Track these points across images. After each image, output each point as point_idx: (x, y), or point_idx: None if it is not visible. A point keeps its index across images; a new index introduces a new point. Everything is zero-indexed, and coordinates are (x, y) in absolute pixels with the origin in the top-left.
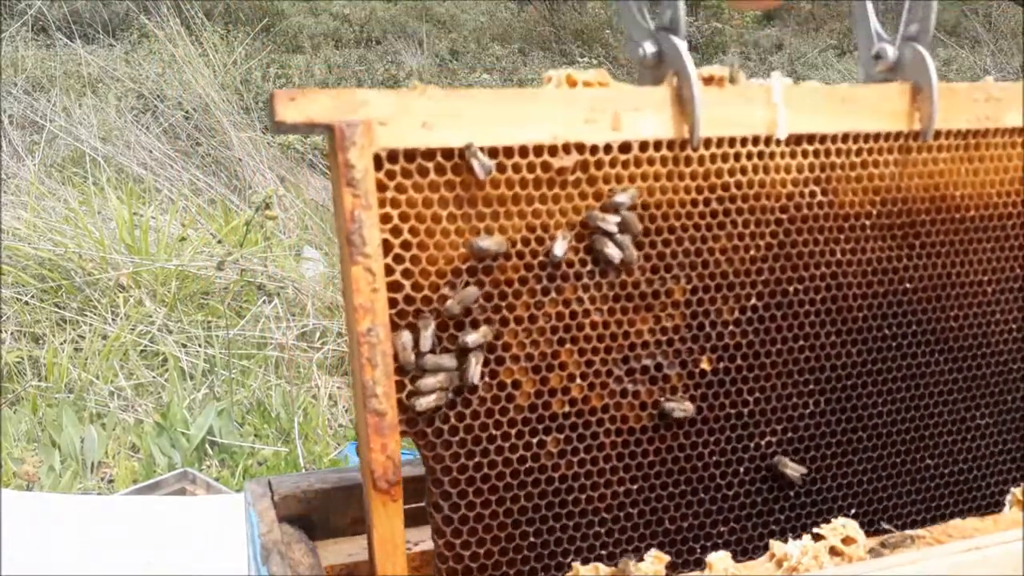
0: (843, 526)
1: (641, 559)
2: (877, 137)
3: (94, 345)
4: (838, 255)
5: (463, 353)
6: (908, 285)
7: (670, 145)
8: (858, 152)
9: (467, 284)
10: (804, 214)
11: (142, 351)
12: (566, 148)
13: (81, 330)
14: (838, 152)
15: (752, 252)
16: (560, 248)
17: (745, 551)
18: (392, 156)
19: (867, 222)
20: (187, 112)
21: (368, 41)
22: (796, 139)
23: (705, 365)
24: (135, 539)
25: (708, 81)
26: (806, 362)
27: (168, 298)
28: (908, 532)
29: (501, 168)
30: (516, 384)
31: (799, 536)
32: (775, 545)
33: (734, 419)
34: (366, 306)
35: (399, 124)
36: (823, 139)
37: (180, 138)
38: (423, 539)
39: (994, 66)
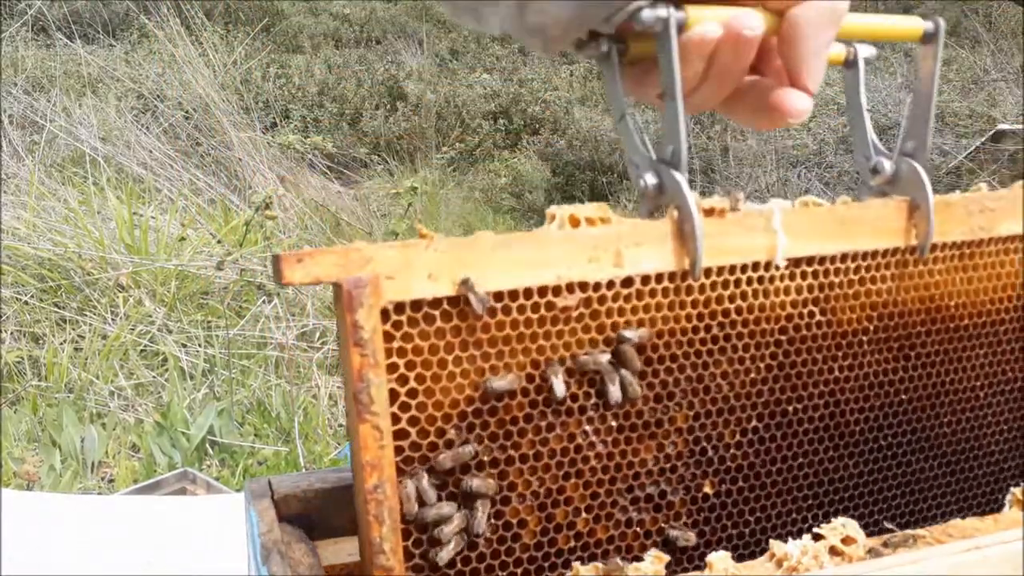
0: (843, 526)
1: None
2: (875, 255)
3: (94, 345)
4: (836, 372)
5: (467, 497)
6: (904, 396)
7: (671, 277)
8: (856, 270)
9: (466, 441)
10: (803, 335)
11: (142, 351)
12: (570, 288)
13: (81, 330)
14: (836, 272)
15: (752, 375)
16: (559, 388)
17: None
18: (399, 308)
19: (864, 338)
20: (187, 112)
21: (368, 41)
22: (795, 262)
23: (708, 489)
24: (135, 539)
25: (709, 212)
26: (804, 479)
27: (168, 298)
28: (908, 532)
29: (506, 310)
30: (522, 523)
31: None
32: (775, 545)
33: (736, 539)
34: (374, 463)
35: (405, 277)
36: (822, 260)
37: (180, 138)
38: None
39: (994, 66)
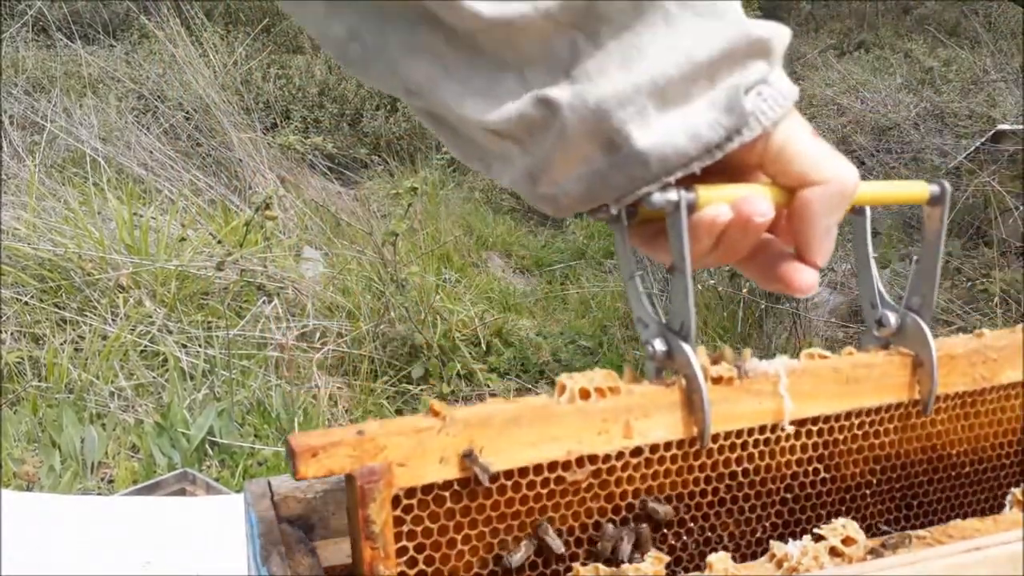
0: (843, 526)
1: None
2: (879, 410)
3: (94, 345)
4: None
5: None
6: None
7: (680, 444)
8: (860, 426)
9: None
10: (808, 492)
11: (142, 351)
12: (579, 462)
13: (81, 330)
14: (841, 429)
15: (759, 534)
16: (557, 545)
17: None
18: (410, 493)
19: (867, 491)
20: (187, 113)
21: None
22: (801, 422)
23: None
24: (135, 539)
25: (717, 381)
26: None
27: (168, 298)
28: (908, 532)
29: (516, 487)
30: None
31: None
32: (775, 545)
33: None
34: None
35: (418, 463)
36: (827, 419)
37: (180, 139)
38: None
39: (994, 66)
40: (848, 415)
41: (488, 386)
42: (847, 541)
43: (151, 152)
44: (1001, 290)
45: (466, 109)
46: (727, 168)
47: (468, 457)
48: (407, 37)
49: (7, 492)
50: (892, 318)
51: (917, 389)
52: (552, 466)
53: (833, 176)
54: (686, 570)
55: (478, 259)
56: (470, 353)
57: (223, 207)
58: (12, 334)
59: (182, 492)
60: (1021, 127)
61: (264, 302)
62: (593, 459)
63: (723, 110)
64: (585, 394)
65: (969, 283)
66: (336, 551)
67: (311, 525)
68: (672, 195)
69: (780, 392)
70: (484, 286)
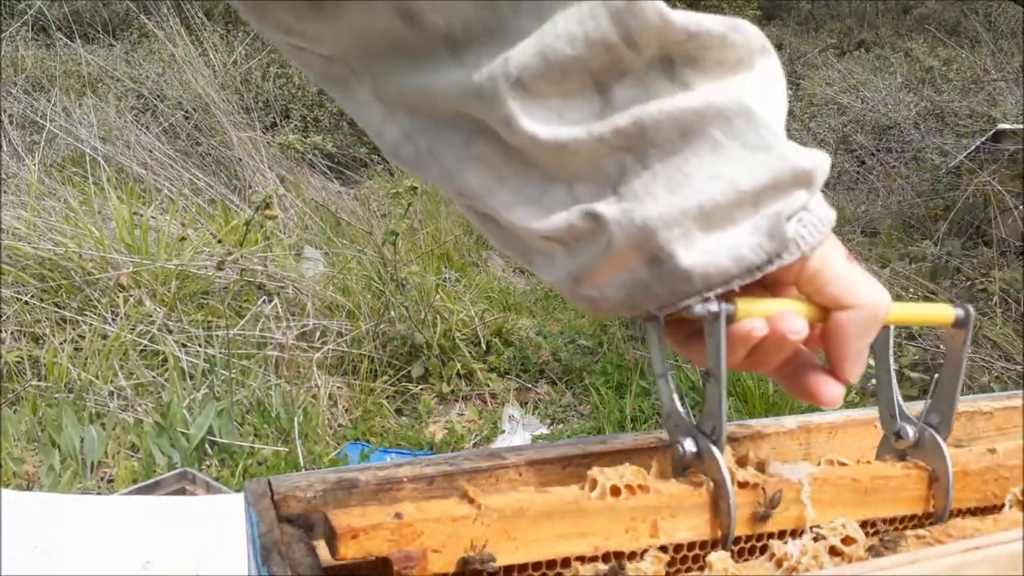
0: (843, 526)
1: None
2: (893, 520)
3: (94, 345)
4: None
5: None
6: None
7: (703, 545)
8: (874, 534)
9: None
10: None
11: (142, 351)
12: (606, 558)
13: (81, 330)
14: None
15: None
16: None
17: None
18: None
19: None
20: (187, 112)
21: None
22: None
23: None
24: (135, 539)
25: (743, 485)
26: None
27: (168, 298)
28: (908, 532)
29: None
30: None
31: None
32: (775, 545)
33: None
34: None
35: (451, 550)
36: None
37: (180, 138)
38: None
39: (994, 66)
40: (863, 524)
41: (488, 385)
42: (847, 540)
43: (151, 151)
44: (1001, 290)
45: (516, 215)
46: (764, 281)
47: (467, 562)
48: (462, 148)
49: (7, 492)
50: (910, 431)
51: (932, 503)
52: (580, 559)
53: (866, 302)
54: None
55: (478, 259)
56: (470, 352)
57: (223, 207)
58: (12, 333)
59: (182, 491)
60: (1021, 127)
61: (264, 302)
62: (619, 555)
63: (765, 235)
64: (615, 491)
65: (969, 283)
66: None
67: (311, 525)
68: (713, 306)
69: (803, 500)
70: (484, 285)
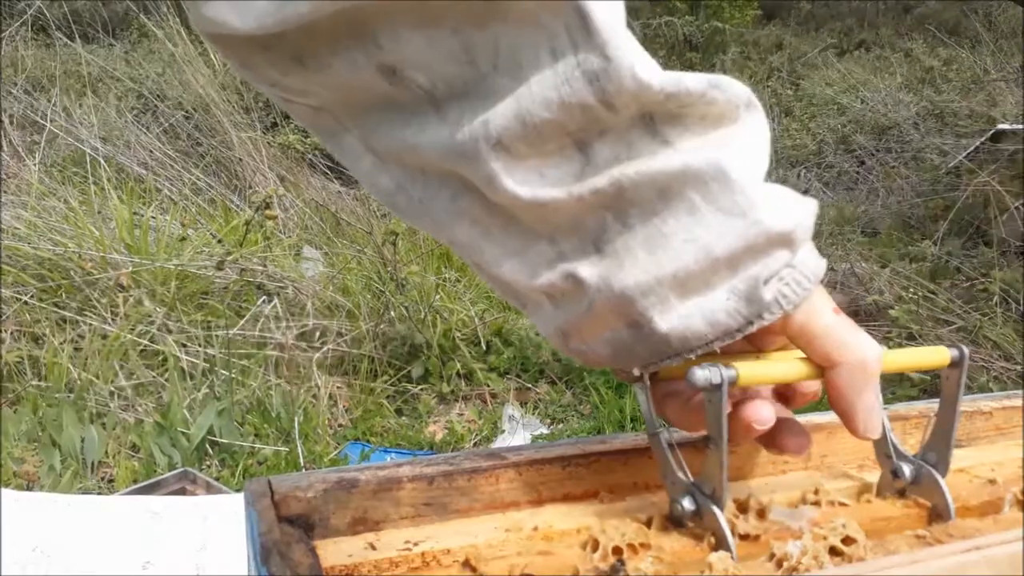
0: (843, 525)
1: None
2: None
3: (94, 345)
4: None
5: None
6: None
7: None
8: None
9: None
10: None
11: (142, 351)
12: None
13: (81, 330)
14: None
15: None
16: None
17: None
18: None
19: None
20: (187, 112)
21: None
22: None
23: None
24: (135, 539)
25: (744, 538)
26: None
27: (168, 298)
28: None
29: None
30: None
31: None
32: (775, 545)
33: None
34: None
35: None
36: None
37: (180, 138)
38: (423, 539)
39: (994, 66)
40: None
41: (488, 385)
42: (847, 541)
43: (151, 151)
44: (1001, 289)
45: (504, 270)
46: (751, 336)
47: None
48: (449, 203)
49: (7, 492)
50: (907, 470)
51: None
52: None
53: (852, 359)
54: None
55: None
56: (470, 352)
57: (223, 206)
58: (12, 334)
59: (182, 491)
60: (1021, 127)
61: (264, 302)
62: (618, 553)
63: (743, 299)
64: (618, 551)
65: (969, 283)
66: (336, 551)
67: (311, 525)
68: (714, 376)
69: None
70: (484, 285)
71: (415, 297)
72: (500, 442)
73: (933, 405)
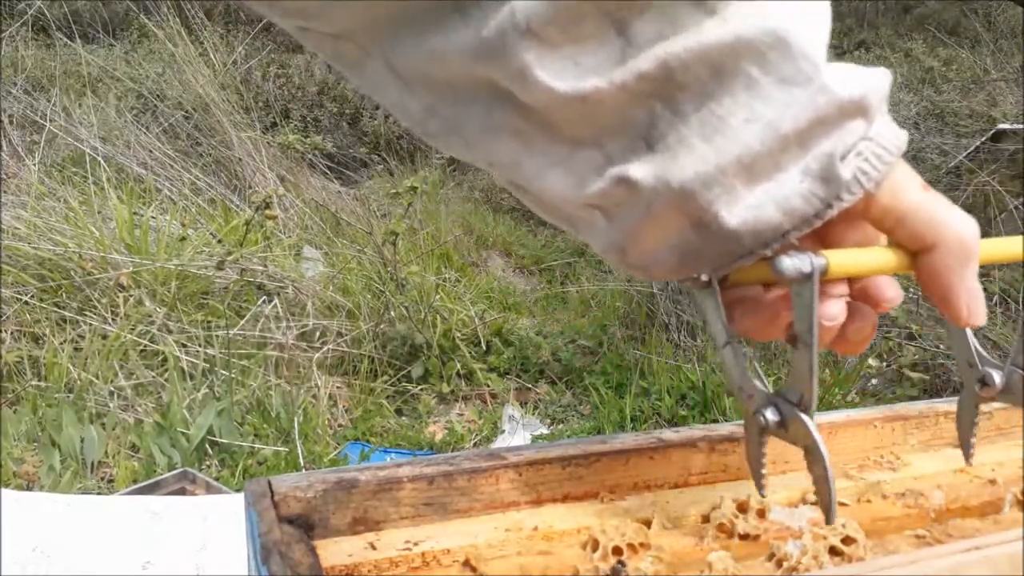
0: (843, 525)
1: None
2: None
3: (94, 345)
4: None
5: None
6: None
7: None
8: None
9: None
10: None
11: (142, 351)
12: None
13: (81, 330)
14: None
15: None
16: None
17: None
18: None
19: None
20: (187, 112)
21: None
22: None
23: None
24: (135, 539)
25: (744, 537)
26: None
27: (168, 298)
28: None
29: None
30: None
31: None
32: (774, 544)
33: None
34: None
35: None
36: None
37: (180, 138)
38: (423, 539)
39: (994, 66)
40: None
41: (488, 385)
42: (847, 541)
43: (151, 151)
44: (1001, 289)
45: (548, 183)
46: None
47: None
48: (484, 117)
49: (7, 492)
50: (996, 376)
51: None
52: None
53: (951, 236)
54: None
55: (478, 259)
56: (470, 352)
57: (223, 206)
58: (12, 334)
59: (182, 491)
60: (1021, 127)
61: (264, 302)
62: (618, 552)
63: (818, 179)
64: (618, 551)
65: None
66: (336, 551)
67: (311, 525)
68: (804, 264)
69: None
70: (484, 285)
71: (415, 297)
72: (500, 442)
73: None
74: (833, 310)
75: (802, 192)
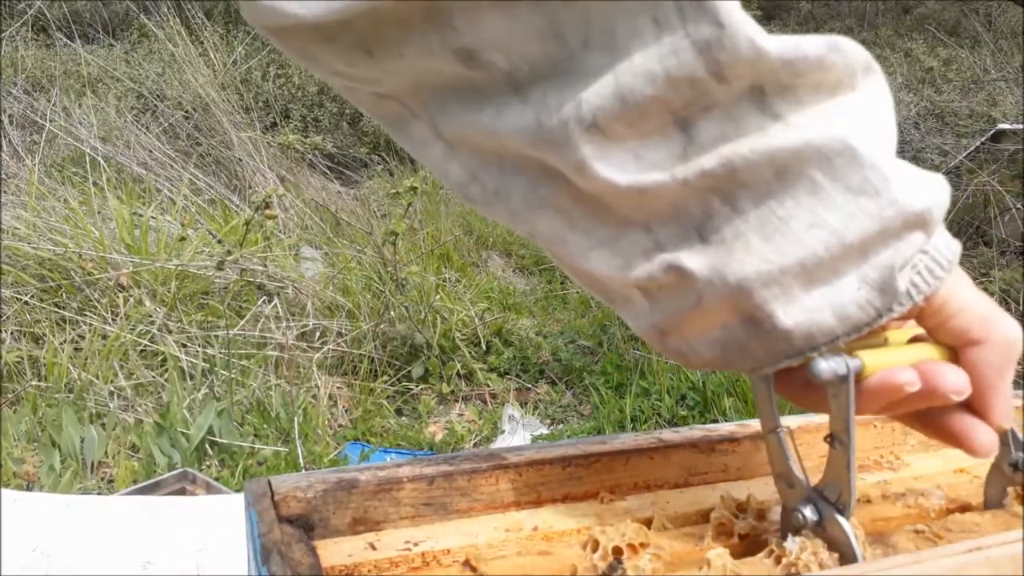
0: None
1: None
2: None
3: (94, 345)
4: None
5: None
6: None
7: None
8: None
9: None
10: None
11: (142, 351)
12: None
13: (81, 330)
14: None
15: None
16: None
17: None
18: None
19: None
20: (187, 112)
21: None
22: None
23: None
24: (135, 539)
25: (743, 538)
26: None
27: (168, 298)
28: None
29: None
30: None
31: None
32: (774, 542)
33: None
34: None
35: None
36: None
37: (180, 138)
38: (423, 539)
39: (994, 66)
40: None
41: (488, 385)
42: None
43: (151, 151)
44: (1001, 290)
45: (592, 263)
46: None
47: None
48: (528, 192)
49: (7, 492)
50: None
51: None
52: None
53: (999, 336)
54: None
55: (478, 259)
56: (470, 353)
57: (223, 206)
58: (12, 333)
59: (182, 491)
60: (1021, 127)
61: (264, 302)
62: (617, 552)
63: (876, 289)
64: (617, 551)
65: None
66: (336, 551)
67: (311, 525)
68: (839, 367)
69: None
70: (484, 286)
71: (415, 297)
72: (500, 442)
73: None
74: (952, 378)
75: (858, 300)
